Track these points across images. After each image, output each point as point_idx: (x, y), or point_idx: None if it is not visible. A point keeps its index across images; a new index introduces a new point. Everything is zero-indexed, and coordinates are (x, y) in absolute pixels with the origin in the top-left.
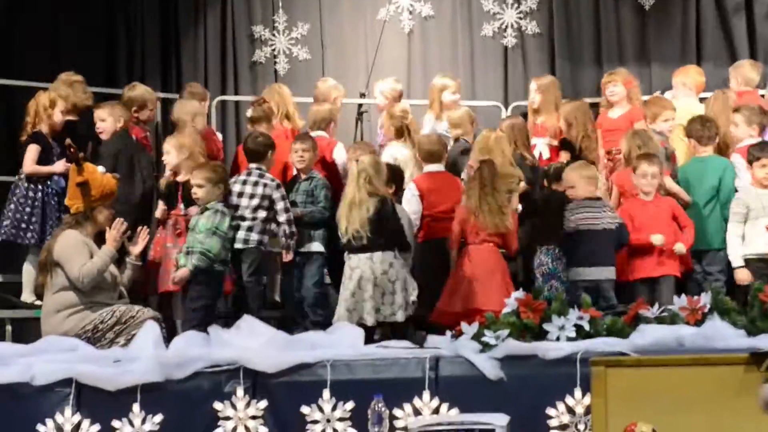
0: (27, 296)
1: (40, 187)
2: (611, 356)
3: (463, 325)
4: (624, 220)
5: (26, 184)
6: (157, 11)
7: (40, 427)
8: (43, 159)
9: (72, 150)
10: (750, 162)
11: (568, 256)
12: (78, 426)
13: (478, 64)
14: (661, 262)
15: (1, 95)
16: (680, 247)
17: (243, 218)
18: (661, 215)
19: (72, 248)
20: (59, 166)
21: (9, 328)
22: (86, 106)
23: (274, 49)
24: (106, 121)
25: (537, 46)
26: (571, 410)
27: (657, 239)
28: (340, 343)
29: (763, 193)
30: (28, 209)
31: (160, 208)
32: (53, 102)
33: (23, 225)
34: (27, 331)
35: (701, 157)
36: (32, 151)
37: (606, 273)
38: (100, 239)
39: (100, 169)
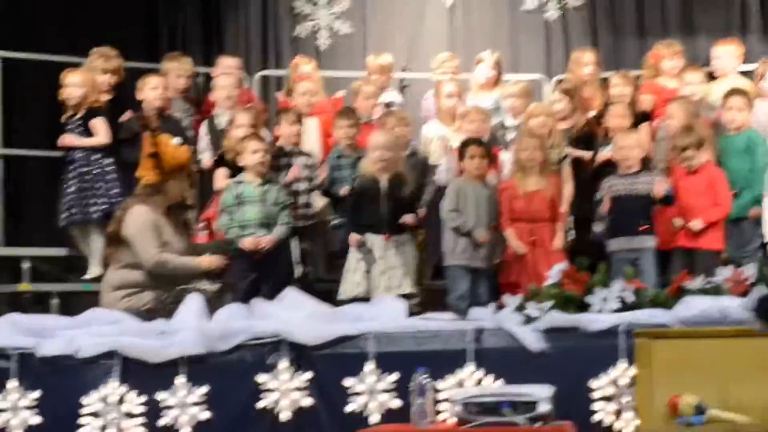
0: (95, 270)
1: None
2: (655, 328)
3: (505, 297)
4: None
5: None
6: None
7: (84, 399)
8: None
9: (144, 120)
10: None
11: None
12: (122, 398)
13: (520, 38)
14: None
15: (40, 71)
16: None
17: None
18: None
19: (143, 229)
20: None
21: (55, 301)
22: (109, 83)
23: (315, 24)
24: None
25: (579, 18)
26: (614, 382)
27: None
28: (382, 315)
29: None
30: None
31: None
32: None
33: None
34: (73, 305)
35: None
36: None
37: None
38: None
39: (175, 140)
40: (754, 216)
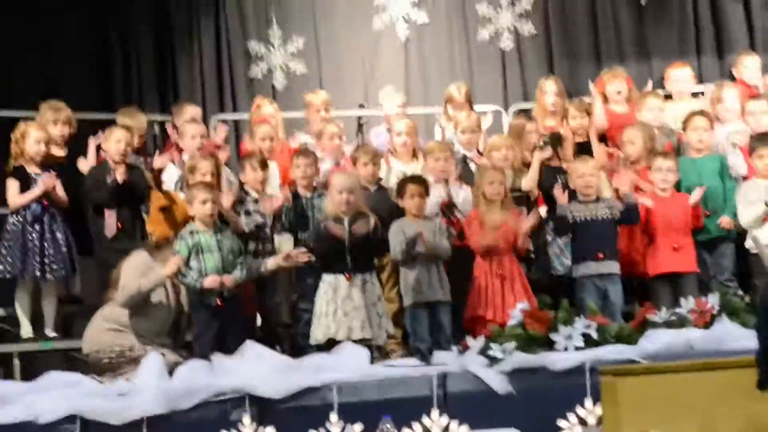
0: (26, 331)
1: (20, 218)
2: (620, 364)
3: (469, 339)
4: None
5: (11, 219)
6: (151, 32)
7: None
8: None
9: (155, 174)
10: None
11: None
12: None
13: (476, 69)
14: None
15: None
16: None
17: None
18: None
19: (131, 269)
20: (39, 186)
21: (17, 362)
22: (62, 134)
23: (270, 65)
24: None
25: (534, 47)
26: (582, 421)
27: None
28: (345, 364)
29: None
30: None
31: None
32: (23, 133)
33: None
34: (35, 365)
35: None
36: (10, 186)
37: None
38: None
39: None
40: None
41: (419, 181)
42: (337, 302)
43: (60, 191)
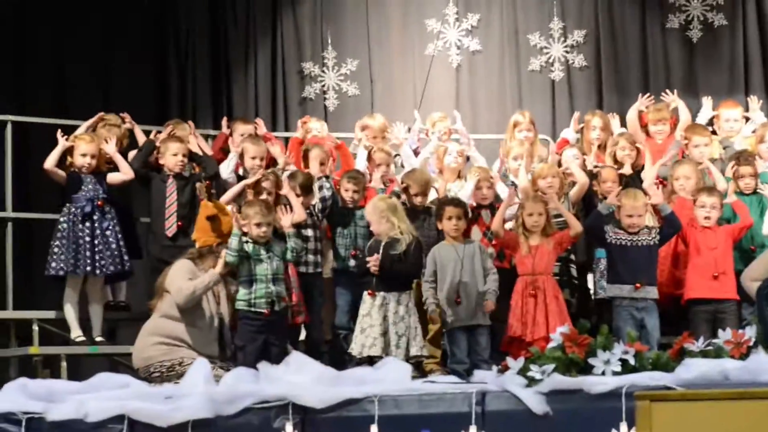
0: (76, 333)
1: (70, 217)
2: (656, 390)
3: (509, 360)
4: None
5: (62, 219)
6: (207, 48)
7: None
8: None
9: (207, 184)
10: None
11: None
12: None
13: (525, 98)
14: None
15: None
16: None
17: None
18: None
19: (180, 274)
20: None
21: (64, 364)
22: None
23: (323, 85)
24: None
25: (584, 79)
26: None
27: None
28: (387, 378)
29: None
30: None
31: None
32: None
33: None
34: (81, 368)
35: None
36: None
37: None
38: None
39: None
40: None
41: (457, 203)
42: (360, 319)
43: (120, 160)
